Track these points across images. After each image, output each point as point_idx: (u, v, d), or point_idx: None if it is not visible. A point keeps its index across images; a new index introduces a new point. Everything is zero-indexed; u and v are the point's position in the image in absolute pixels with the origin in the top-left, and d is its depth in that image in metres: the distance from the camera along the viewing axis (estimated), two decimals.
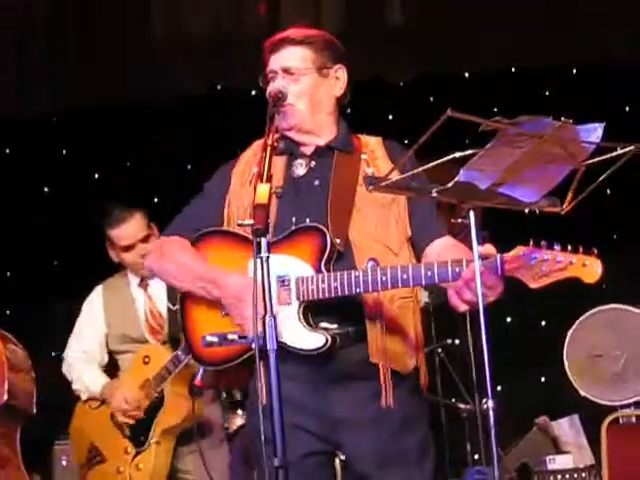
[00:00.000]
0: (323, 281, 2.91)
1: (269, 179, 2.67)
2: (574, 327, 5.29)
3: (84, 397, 4.85)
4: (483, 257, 2.74)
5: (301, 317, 2.95)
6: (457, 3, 6.36)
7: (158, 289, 4.79)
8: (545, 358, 6.20)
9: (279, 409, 2.47)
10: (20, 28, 6.45)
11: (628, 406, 5.10)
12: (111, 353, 4.88)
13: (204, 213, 3.19)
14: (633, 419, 5.07)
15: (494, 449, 2.46)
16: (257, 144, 3.21)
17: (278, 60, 3.14)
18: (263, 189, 2.63)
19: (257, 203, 2.62)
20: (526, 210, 2.70)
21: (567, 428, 5.68)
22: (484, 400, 2.58)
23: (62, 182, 6.92)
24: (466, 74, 6.84)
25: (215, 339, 2.98)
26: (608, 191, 6.35)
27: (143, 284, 4.85)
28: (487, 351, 2.54)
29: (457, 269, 2.80)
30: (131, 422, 4.66)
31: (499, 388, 5.98)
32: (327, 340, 2.90)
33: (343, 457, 3.13)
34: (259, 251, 2.55)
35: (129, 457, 4.64)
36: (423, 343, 3.13)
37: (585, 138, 2.37)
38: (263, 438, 2.50)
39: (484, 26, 6.36)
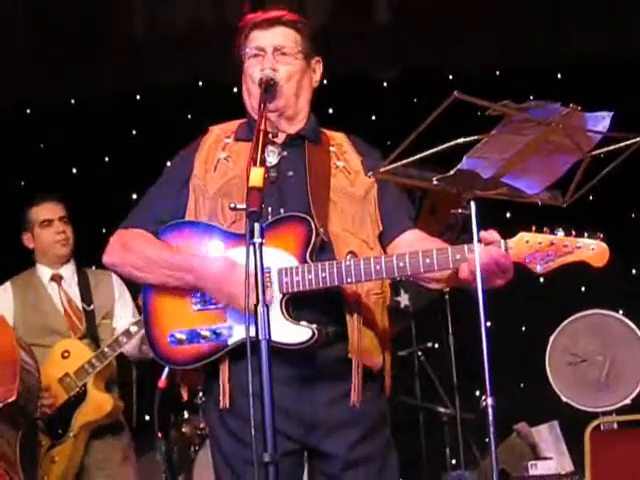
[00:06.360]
0: (310, 272, 2.78)
1: (262, 163, 2.58)
2: (556, 332, 5.24)
3: None
4: (486, 243, 2.67)
5: (284, 310, 2.81)
6: (444, 5, 6.33)
7: (71, 287, 4.87)
8: (524, 363, 6.17)
9: (270, 404, 2.37)
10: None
11: (610, 412, 5.05)
12: None
13: (165, 203, 3.04)
14: (615, 425, 5.01)
15: (492, 447, 2.37)
16: (217, 128, 3.13)
17: (271, 38, 3.01)
18: (257, 172, 2.53)
19: (252, 186, 2.51)
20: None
21: (547, 434, 5.62)
22: (483, 397, 2.49)
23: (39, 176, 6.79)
24: (450, 76, 6.80)
25: (184, 336, 2.85)
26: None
27: (56, 277, 4.88)
28: (486, 344, 2.46)
29: (458, 256, 2.72)
30: (43, 416, 4.58)
31: (477, 393, 5.93)
32: (313, 333, 2.77)
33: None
34: (252, 236, 2.44)
35: (42, 450, 4.57)
36: (390, 343, 3.04)
37: (592, 127, 2.30)
38: (253, 432, 2.39)
39: (469, 27, 6.34)
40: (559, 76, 6.77)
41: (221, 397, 2.88)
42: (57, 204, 4.93)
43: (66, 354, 4.66)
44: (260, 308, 2.43)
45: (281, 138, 3.05)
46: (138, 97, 6.90)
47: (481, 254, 2.66)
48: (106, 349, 4.60)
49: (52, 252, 4.89)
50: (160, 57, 6.59)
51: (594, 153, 2.43)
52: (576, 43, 6.26)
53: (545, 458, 5.38)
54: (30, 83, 6.54)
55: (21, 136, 6.87)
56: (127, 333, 4.59)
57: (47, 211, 4.90)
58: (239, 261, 2.76)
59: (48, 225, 4.86)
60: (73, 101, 6.94)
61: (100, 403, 4.66)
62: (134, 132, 6.82)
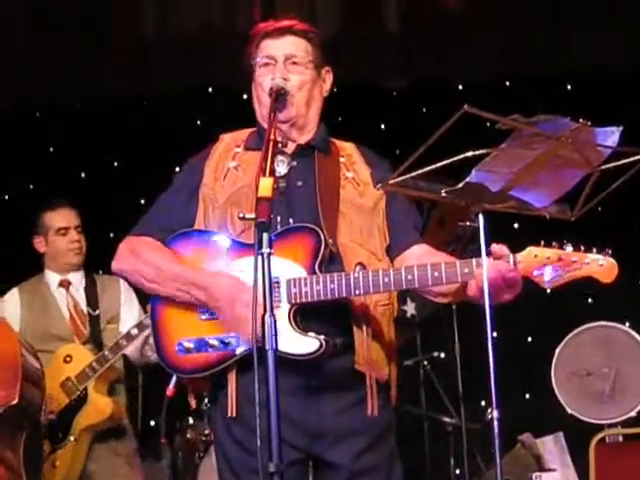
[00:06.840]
0: (318, 283, 2.79)
1: (272, 173, 2.58)
2: (562, 344, 5.24)
3: None
4: (496, 257, 2.67)
5: (292, 321, 2.82)
6: (453, 15, 6.34)
7: (79, 291, 4.89)
8: (530, 375, 6.15)
9: (276, 413, 2.37)
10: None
11: (615, 425, 5.05)
12: None
13: (175, 211, 3.03)
14: (620, 438, 5.01)
15: (497, 460, 2.37)
16: (228, 137, 3.14)
17: (282, 47, 3.01)
18: (266, 182, 2.53)
19: (260, 196, 2.51)
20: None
21: (551, 446, 5.60)
22: (489, 410, 2.49)
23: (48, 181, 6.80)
24: (459, 85, 6.80)
25: (192, 344, 2.86)
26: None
27: (64, 283, 4.91)
28: (492, 358, 2.45)
29: (466, 269, 2.72)
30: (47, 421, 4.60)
31: (482, 403, 5.93)
32: (321, 344, 2.77)
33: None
34: (261, 246, 2.44)
35: (44, 454, 4.57)
36: (396, 354, 3.05)
37: (602, 142, 2.30)
38: (259, 443, 2.39)
39: (478, 37, 6.35)
40: (569, 87, 6.78)
41: (228, 406, 2.88)
42: (72, 211, 4.96)
43: (68, 358, 4.69)
44: (267, 318, 2.44)
45: (291, 148, 3.05)
46: (145, 102, 6.90)
47: (489, 269, 2.65)
48: (107, 352, 4.63)
49: (64, 260, 4.92)
50: (169, 61, 6.59)
51: (603, 167, 2.43)
52: (583, 52, 6.27)
53: (549, 470, 5.36)
54: (30, 84, 6.54)
55: (29, 139, 6.87)
56: (128, 336, 4.61)
57: (63, 218, 4.93)
58: (249, 282, 2.72)
59: (64, 233, 4.89)
60: (80, 105, 6.94)
61: (100, 406, 4.67)
62: (143, 137, 6.82)
